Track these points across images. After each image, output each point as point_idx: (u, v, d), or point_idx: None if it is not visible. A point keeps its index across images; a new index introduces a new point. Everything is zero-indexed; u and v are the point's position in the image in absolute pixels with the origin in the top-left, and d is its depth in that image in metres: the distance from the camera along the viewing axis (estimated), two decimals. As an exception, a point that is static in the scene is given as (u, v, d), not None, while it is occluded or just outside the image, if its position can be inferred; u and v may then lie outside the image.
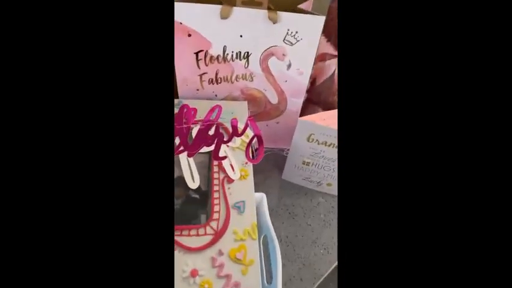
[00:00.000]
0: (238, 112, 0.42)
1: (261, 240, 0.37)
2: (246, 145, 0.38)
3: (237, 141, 0.39)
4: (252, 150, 0.42)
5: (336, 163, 0.42)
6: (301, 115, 0.54)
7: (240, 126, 0.40)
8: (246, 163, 0.37)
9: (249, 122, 0.40)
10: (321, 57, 0.48)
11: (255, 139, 0.39)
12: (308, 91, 0.53)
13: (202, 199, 0.36)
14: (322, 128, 0.38)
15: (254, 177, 0.49)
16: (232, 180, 0.35)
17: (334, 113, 0.42)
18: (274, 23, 0.37)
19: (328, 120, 0.41)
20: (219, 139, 0.34)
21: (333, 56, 0.47)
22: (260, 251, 0.37)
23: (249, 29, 0.38)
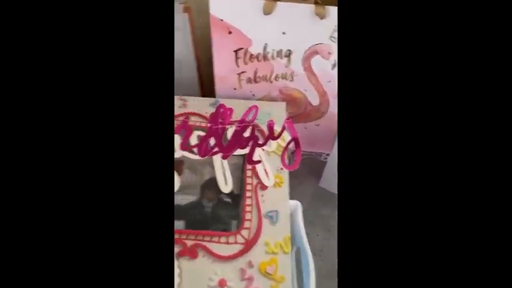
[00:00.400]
0: (275, 114, 0.40)
1: (294, 253, 0.35)
2: (282, 149, 0.36)
3: (272, 145, 0.37)
4: (288, 155, 0.39)
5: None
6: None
7: (277, 129, 0.38)
8: (282, 169, 0.35)
9: (286, 124, 0.38)
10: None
11: (292, 143, 0.37)
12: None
13: (235, 204, 0.34)
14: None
15: (293, 185, 0.47)
16: (266, 187, 0.33)
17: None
18: (321, 19, 0.34)
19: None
20: (254, 142, 0.33)
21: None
22: (292, 265, 0.35)
23: (293, 25, 0.35)
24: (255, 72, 0.41)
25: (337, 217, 0.40)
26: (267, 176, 0.34)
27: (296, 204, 0.37)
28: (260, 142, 0.33)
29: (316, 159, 0.49)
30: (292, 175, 0.46)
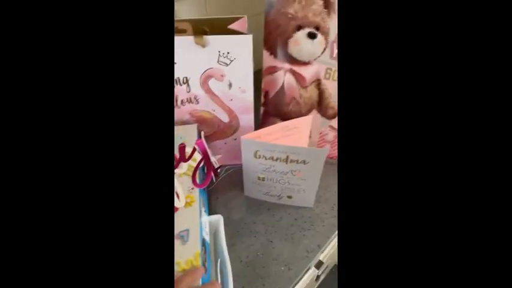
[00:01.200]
0: (188, 136, 0.42)
1: (218, 264, 0.36)
2: (193, 170, 0.38)
3: (183, 167, 0.39)
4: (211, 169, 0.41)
5: (288, 175, 0.41)
6: (261, 127, 0.54)
7: (188, 151, 0.40)
8: (193, 188, 0.37)
9: (196, 145, 0.40)
10: (268, 71, 0.48)
11: (203, 162, 0.39)
12: (264, 104, 0.53)
13: None
14: (265, 145, 0.38)
15: (219, 196, 0.49)
16: (177, 209, 0.35)
17: (278, 126, 0.41)
18: (203, 47, 0.38)
19: (273, 134, 0.41)
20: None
21: (279, 69, 0.47)
22: (216, 276, 0.36)
23: (181, 56, 0.38)
24: (161, 101, 0.43)
25: (262, 222, 0.43)
26: (178, 199, 0.36)
27: (218, 219, 0.39)
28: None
29: (239, 171, 0.52)
30: (222, 189, 0.49)
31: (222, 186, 0.50)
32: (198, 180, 0.37)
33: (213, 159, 0.43)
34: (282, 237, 0.42)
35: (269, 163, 0.40)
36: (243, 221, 0.44)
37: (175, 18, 0.45)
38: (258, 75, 0.47)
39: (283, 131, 0.42)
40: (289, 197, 0.45)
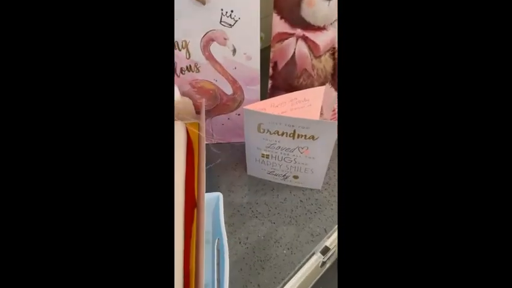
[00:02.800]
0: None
1: (215, 245, 0.34)
2: None
3: None
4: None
5: (295, 152, 0.37)
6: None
7: None
8: None
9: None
10: (277, 38, 0.43)
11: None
12: (271, 77, 0.48)
13: None
14: (269, 117, 0.34)
15: (220, 174, 0.46)
16: None
17: (286, 97, 0.37)
18: (204, 4, 0.33)
19: (280, 106, 0.37)
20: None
21: (290, 35, 0.42)
22: (213, 254, 0.34)
23: (179, 15, 0.34)
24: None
25: (265, 203, 0.40)
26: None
27: (218, 196, 0.37)
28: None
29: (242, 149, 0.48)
30: (224, 167, 0.46)
31: (224, 164, 0.46)
32: None
33: None
34: (286, 220, 0.39)
35: (274, 138, 0.36)
36: (244, 201, 0.41)
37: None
38: (267, 50, 0.42)
39: (292, 103, 0.38)
40: (296, 177, 0.41)
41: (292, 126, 0.34)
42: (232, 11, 0.34)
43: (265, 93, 0.48)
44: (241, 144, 0.48)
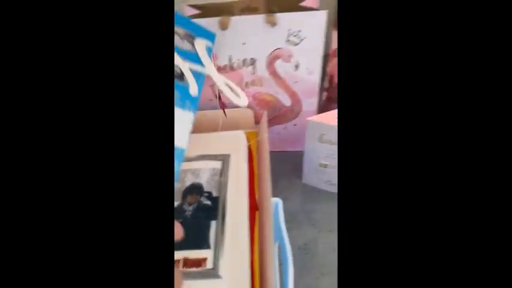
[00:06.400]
0: None
1: (276, 248, 0.36)
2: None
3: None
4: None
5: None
6: (322, 115, 0.52)
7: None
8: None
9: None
10: (335, 54, 0.45)
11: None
12: (327, 90, 0.50)
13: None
14: (333, 128, 0.36)
15: (276, 182, 0.48)
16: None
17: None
18: (273, 26, 0.37)
19: (342, 118, 0.39)
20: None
21: (348, 50, 0.44)
22: (275, 260, 0.35)
23: (250, 35, 0.38)
24: (227, 83, 0.44)
25: (322, 211, 0.41)
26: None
27: (277, 202, 0.39)
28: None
29: (298, 157, 0.50)
30: (280, 174, 0.48)
31: (279, 171, 0.49)
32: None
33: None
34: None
35: (335, 148, 0.38)
36: (301, 209, 0.43)
37: None
38: (325, 59, 0.44)
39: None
40: (353, 187, 0.42)
41: (356, 137, 0.35)
42: (299, 31, 0.37)
43: (321, 106, 0.50)
44: (296, 153, 0.50)
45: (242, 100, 0.29)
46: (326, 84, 0.49)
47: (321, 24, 0.36)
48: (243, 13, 0.37)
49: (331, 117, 0.38)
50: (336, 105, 0.51)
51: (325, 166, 0.41)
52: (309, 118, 0.37)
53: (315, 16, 0.36)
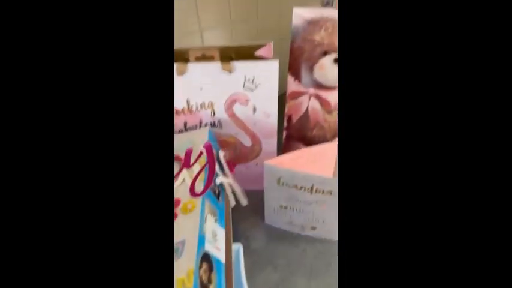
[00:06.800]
0: (198, 140, 0.38)
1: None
2: (194, 175, 0.34)
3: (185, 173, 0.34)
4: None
5: (312, 206, 0.39)
6: (283, 151, 0.53)
7: (195, 156, 0.36)
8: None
9: (204, 148, 0.37)
10: (291, 95, 0.48)
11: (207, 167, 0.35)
12: (286, 128, 0.52)
13: None
14: (289, 172, 0.36)
15: (237, 223, 0.47)
16: (176, 215, 0.30)
17: (303, 151, 0.40)
18: (230, 73, 0.38)
19: (298, 160, 0.40)
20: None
21: (303, 93, 0.47)
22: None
23: (208, 81, 0.39)
24: (185, 124, 0.43)
25: (284, 255, 0.40)
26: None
27: (238, 248, 0.37)
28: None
29: (260, 197, 0.50)
30: (242, 215, 0.47)
31: (241, 212, 0.48)
32: (196, 188, 0.32)
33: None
34: (306, 271, 0.39)
35: (293, 192, 0.38)
36: (263, 251, 0.42)
37: (203, 46, 0.47)
38: (282, 99, 0.46)
39: (308, 157, 0.41)
40: (313, 228, 0.42)
41: (311, 181, 0.36)
42: (254, 78, 0.39)
43: (281, 143, 0.51)
44: (258, 192, 0.50)
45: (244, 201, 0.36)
46: (285, 124, 0.51)
47: (275, 72, 0.38)
48: (199, 60, 0.38)
49: (288, 161, 0.39)
50: (296, 142, 0.53)
51: (285, 208, 0.41)
52: (266, 162, 0.37)
53: (268, 65, 0.38)
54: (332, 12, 0.40)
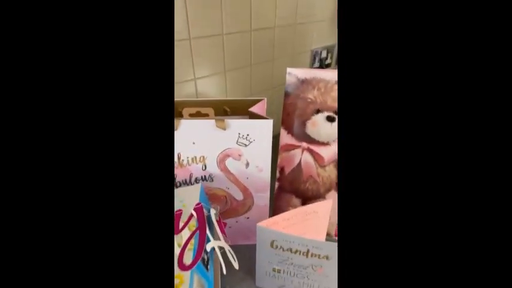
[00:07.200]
0: (190, 199, 0.36)
1: None
2: (183, 242, 0.31)
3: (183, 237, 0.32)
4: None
5: (308, 270, 0.36)
6: (275, 203, 0.51)
7: (184, 219, 0.33)
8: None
9: (195, 211, 0.34)
10: (284, 148, 0.48)
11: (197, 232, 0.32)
12: (279, 180, 0.51)
13: None
14: (283, 235, 0.34)
15: (226, 283, 0.43)
16: None
17: (297, 211, 0.38)
18: (224, 130, 0.38)
19: (292, 219, 0.38)
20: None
21: (296, 147, 0.47)
22: None
23: (201, 137, 0.38)
24: (174, 178, 0.42)
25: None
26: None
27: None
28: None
29: (251, 250, 0.47)
30: (231, 273, 0.43)
31: (230, 271, 0.44)
32: (185, 260, 0.29)
33: (219, 243, 0.36)
34: None
35: (287, 255, 0.36)
36: (254, 322, 0.38)
37: (197, 99, 0.47)
38: (274, 142, 0.45)
39: (302, 216, 0.39)
40: (308, 293, 0.39)
41: (306, 245, 0.34)
42: (248, 135, 0.38)
43: (273, 196, 0.50)
44: (249, 248, 0.47)
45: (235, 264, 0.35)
46: (277, 175, 0.50)
47: (269, 130, 0.38)
48: (193, 117, 0.38)
49: (281, 221, 0.37)
50: (288, 194, 0.51)
51: (279, 271, 0.38)
52: (259, 224, 0.35)
53: (262, 123, 0.38)
54: (324, 74, 0.42)
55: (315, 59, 0.84)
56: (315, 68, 0.85)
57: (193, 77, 0.55)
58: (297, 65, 0.78)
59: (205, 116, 0.38)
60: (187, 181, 0.42)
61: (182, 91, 0.54)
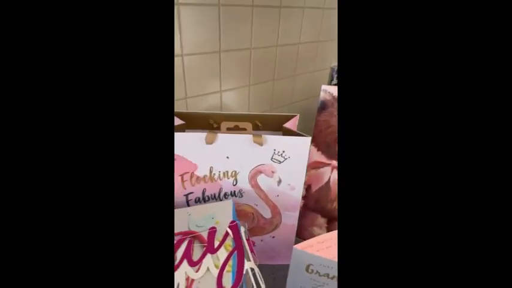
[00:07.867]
0: (222, 215, 0.34)
1: None
2: (221, 264, 0.29)
3: (209, 260, 0.30)
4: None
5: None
6: (299, 222, 0.49)
7: (219, 237, 0.32)
8: None
9: (229, 229, 0.32)
10: (313, 165, 0.47)
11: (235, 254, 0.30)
12: (304, 197, 0.49)
13: None
14: (321, 260, 0.33)
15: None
16: None
17: (332, 234, 0.37)
18: (261, 146, 0.37)
19: (327, 242, 0.37)
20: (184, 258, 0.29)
21: (326, 164, 0.46)
22: None
23: (236, 151, 0.37)
24: (203, 192, 0.40)
25: None
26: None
27: None
28: (194, 260, 0.28)
29: (280, 276, 0.45)
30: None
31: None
32: (224, 283, 0.28)
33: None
34: None
35: (323, 280, 0.34)
36: None
37: (231, 112, 0.46)
38: None
39: (337, 238, 0.38)
40: (340, 321, 0.37)
41: (346, 272, 0.32)
42: (284, 151, 0.37)
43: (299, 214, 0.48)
44: (272, 268, 0.45)
45: (263, 286, 0.31)
46: (303, 193, 0.49)
47: (306, 148, 0.37)
48: (231, 131, 0.37)
49: (316, 245, 0.35)
50: (313, 213, 0.50)
51: (310, 297, 0.36)
52: (296, 245, 0.34)
53: (300, 141, 0.37)
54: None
55: (333, 76, 0.85)
56: (333, 84, 0.86)
57: (219, 89, 0.55)
58: (317, 82, 0.78)
59: (244, 130, 0.37)
60: (216, 196, 0.41)
61: (207, 102, 0.53)
